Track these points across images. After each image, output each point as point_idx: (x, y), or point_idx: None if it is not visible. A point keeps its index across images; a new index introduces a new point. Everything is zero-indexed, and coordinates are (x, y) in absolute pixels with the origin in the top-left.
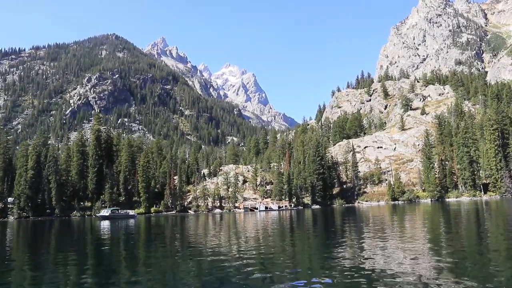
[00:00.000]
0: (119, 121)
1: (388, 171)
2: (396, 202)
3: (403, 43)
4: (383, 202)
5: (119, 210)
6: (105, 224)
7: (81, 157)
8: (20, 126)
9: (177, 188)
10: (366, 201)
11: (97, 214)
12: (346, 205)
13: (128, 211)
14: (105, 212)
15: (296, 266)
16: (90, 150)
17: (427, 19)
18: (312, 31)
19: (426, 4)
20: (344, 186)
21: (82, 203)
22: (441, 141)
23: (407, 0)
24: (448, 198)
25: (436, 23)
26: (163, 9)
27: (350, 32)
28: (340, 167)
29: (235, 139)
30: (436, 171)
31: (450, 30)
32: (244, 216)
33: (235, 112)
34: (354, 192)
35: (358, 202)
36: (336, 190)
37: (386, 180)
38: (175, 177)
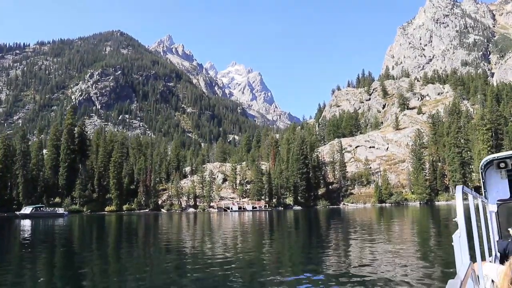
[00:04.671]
0: (120, 118)
1: (378, 171)
2: (383, 204)
3: (409, 43)
4: (369, 205)
5: (45, 208)
6: (25, 223)
7: (55, 152)
8: (20, 121)
9: (151, 185)
10: (352, 202)
11: (17, 212)
12: (331, 206)
13: (57, 209)
14: (26, 210)
15: None
16: (62, 144)
17: (434, 20)
18: (319, 31)
19: (433, 5)
20: (330, 187)
21: (52, 199)
22: (434, 141)
23: (414, 0)
24: (438, 201)
25: (443, 23)
26: (170, 7)
27: (357, 31)
28: (328, 167)
29: (236, 137)
30: (426, 173)
31: (457, 31)
32: (211, 217)
33: (239, 111)
34: (340, 193)
35: (343, 204)
36: (322, 191)
37: (375, 181)
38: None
